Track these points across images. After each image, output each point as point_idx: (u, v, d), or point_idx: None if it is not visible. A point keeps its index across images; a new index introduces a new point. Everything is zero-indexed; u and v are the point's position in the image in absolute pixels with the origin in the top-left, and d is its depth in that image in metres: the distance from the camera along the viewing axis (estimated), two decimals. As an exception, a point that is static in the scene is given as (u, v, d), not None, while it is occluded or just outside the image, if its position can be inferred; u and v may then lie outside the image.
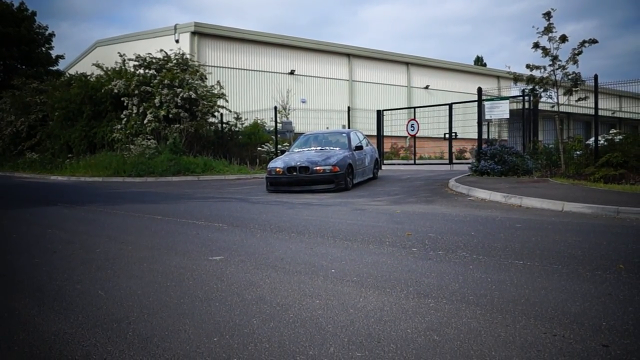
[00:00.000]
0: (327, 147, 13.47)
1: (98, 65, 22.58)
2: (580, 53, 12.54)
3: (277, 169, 12.14)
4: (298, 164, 12.00)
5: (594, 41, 12.41)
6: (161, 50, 21.75)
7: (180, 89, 19.89)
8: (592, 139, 13.13)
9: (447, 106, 18.31)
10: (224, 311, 3.20)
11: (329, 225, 6.65)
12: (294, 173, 11.93)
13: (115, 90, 20.49)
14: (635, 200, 8.01)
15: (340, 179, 11.87)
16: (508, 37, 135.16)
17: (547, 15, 12.77)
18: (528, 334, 2.71)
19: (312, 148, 13.66)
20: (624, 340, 2.61)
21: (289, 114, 24.77)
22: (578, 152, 13.51)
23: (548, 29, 12.75)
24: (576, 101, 12.66)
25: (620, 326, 2.80)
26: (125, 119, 20.39)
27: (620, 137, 12.81)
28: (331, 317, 3.03)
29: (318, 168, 11.83)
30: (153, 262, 4.65)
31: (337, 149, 13.23)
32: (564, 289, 3.55)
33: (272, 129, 21.54)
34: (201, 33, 28.84)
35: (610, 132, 13.91)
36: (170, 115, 19.83)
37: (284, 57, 32.56)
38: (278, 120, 21.87)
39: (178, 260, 4.73)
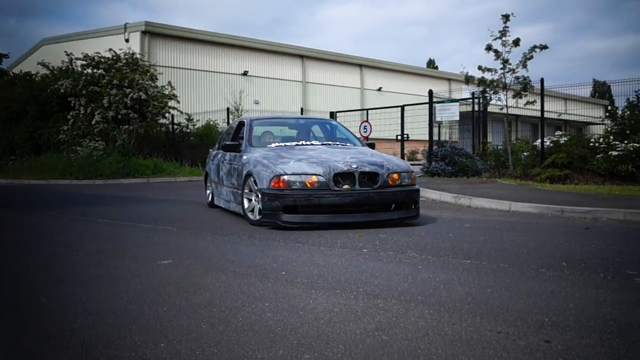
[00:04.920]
0: (329, 142, 7.87)
1: (44, 64, 21.83)
2: (531, 58, 12.87)
3: (313, 178, 6.19)
4: (354, 167, 6.33)
5: (544, 47, 12.74)
6: (110, 50, 21.18)
7: (130, 90, 19.42)
8: (539, 140, 13.54)
9: (399, 108, 18.52)
10: (172, 316, 3.13)
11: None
12: (346, 185, 6.23)
13: (62, 90, 19.84)
14: (578, 200, 8.29)
15: (417, 198, 6.91)
16: (464, 39, 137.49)
17: (506, 17, 12.97)
18: (474, 332, 2.75)
19: (306, 142, 7.70)
20: (565, 335, 2.69)
21: (241, 115, 24.61)
22: (525, 153, 13.91)
23: (503, 32, 12.99)
24: (524, 104, 13.00)
25: (562, 322, 2.88)
26: (72, 120, 19.79)
27: (566, 138, 13.26)
28: (280, 320, 3.01)
29: (394, 175, 6.55)
30: (100, 267, 4.52)
31: (348, 144, 7.87)
32: (509, 287, 3.64)
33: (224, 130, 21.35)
34: (152, 32, 28.28)
35: (556, 133, 14.36)
36: (119, 116, 19.35)
37: (237, 58, 32.27)
38: (230, 122, 21.70)
39: (126, 264, 4.61)
